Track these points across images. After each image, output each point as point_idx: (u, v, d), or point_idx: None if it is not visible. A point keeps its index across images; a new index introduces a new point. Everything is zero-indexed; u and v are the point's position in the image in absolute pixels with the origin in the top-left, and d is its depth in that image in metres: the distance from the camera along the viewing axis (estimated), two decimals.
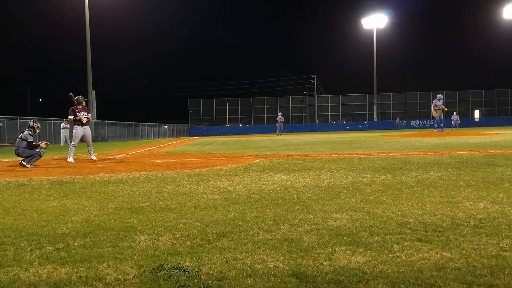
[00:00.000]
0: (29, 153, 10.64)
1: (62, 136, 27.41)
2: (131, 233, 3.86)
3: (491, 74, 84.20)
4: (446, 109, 25.09)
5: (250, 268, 2.92)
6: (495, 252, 3.12)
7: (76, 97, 12.09)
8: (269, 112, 69.67)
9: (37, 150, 10.76)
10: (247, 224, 4.05)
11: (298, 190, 5.92)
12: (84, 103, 12.24)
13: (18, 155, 10.76)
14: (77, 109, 11.98)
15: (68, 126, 25.57)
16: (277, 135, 38.79)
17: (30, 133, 11.03)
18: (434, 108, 24.57)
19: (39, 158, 10.79)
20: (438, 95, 24.75)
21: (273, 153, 13.12)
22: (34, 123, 11.39)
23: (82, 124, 12.01)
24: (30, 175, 8.57)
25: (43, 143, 11.22)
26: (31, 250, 3.44)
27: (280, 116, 40.45)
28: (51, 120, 31.88)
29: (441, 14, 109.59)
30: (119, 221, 4.33)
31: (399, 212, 4.39)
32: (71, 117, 11.98)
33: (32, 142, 10.88)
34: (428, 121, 63.14)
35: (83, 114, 11.99)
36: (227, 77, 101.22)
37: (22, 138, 10.83)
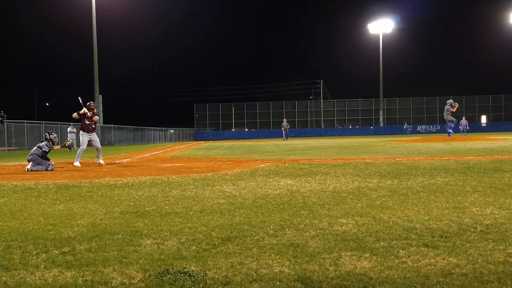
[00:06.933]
0: (39, 161, 10.71)
1: (68, 139, 27.53)
2: (137, 237, 3.86)
3: (498, 79, 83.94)
4: (453, 110, 24.82)
5: (255, 272, 2.92)
6: (502, 258, 3.10)
7: (88, 103, 12.17)
8: (275, 117, 69.74)
9: (48, 162, 10.83)
10: (252, 229, 4.05)
11: (303, 195, 5.91)
12: (95, 110, 12.30)
13: (29, 161, 10.86)
14: (87, 115, 12.03)
15: (75, 130, 25.68)
16: (284, 140, 38.90)
17: (48, 144, 11.37)
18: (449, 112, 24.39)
19: (44, 170, 10.46)
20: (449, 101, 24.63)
21: (278, 158, 13.12)
22: (51, 135, 11.64)
23: (88, 131, 12.07)
24: (37, 179, 8.61)
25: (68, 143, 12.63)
26: (37, 253, 3.45)
27: (284, 123, 40.63)
28: (57, 124, 32.05)
29: (448, 19, 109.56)
30: (125, 225, 4.34)
31: (405, 218, 4.37)
32: (82, 109, 11.94)
33: (47, 152, 11.09)
34: (434, 126, 62.94)
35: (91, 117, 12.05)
36: (233, 82, 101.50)
37: (39, 147, 11.14)
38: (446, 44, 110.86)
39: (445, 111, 24.62)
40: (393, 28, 61.05)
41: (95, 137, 12.32)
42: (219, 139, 59.10)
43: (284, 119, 43.36)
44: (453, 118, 24.60)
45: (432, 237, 3.65)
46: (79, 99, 12.10)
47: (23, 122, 29.20)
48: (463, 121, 36.50)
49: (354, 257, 3.18)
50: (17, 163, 13.76)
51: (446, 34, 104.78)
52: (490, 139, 23.16)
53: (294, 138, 49.72)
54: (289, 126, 41.50)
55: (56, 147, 11.91)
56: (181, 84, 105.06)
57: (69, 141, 13.17)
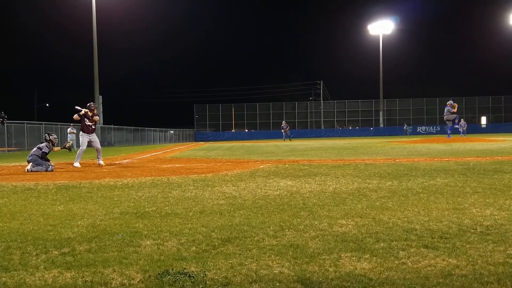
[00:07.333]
0: (39, 162, 10.72)
1: (68, 141, 27.53)
2: (136, 238, 3.86)
3: (498, 80, 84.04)
4: (454, 110, 24.74)
5: (255, 273, 2.91)
6: (502, 259, 3.10)
7: (88, 104, 12.22)
8: (275, 118, 69.78)
9: (47, 163, 10.83)
10: (252, 230, 4.05)
11: (303, 196, 5.91)
12: (95, 111, 12.34)
13: (29, 162, 10.86)
14: (87, 115, 12.06)
15: (75, 131, 25.69)
16: (284, 140, 39.05)
17: (47, 145, 11.36)
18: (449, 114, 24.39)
19: (44, 171, 10.44)
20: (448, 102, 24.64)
21: (278, 159, 13.11)
22: (51, 136, 11.67)
23: (88, 132, 12.10)
24: (37, 179, 8.61)
25: (68, 144, 12.60)
26: (37, 254, 3.45)
27: (283, 125, 41.02)
28: (57, 124, 32.05)
29: (448, 19, 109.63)
30: (124, 226, 4.34)
31: (405, 219, 4.37)
32: (82, 110, 11.97)
33: (47, 153, 11.10)
34: (434, 127, 62.93)
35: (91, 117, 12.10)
36: (233, 82, 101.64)
37: (39, 147, 11.15)
38: (446, 44, 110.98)
39: (445, 112, 24.62)
40: (393, 29, 61.11)
41: (95, 137, 12.34)
42: (219, 140, 59.09)
43: (283, 121, 43.73)
44: (454, 116, 24.53)
45: (432, 238, 3.65)
46: (76, 108, 12.11)
47: (23, 123, 29.18)
48: (462, 123, 36.57)
49: (354, 258, 3.18)
50: (17, 163, 13.76)
51: (446, 35, 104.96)
52: (490, 140, 23.16)
53: (294, 139, 49.71)
54: (288, 128, 41.73)
55: (56, 148, 11.93)
56: (181, 84, 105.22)
57: (69, 142, 13.19)
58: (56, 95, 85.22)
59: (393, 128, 63.75)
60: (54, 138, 11.77)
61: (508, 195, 5.60)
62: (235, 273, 2.93)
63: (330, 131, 66.85)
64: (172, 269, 3.01)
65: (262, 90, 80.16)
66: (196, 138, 65.32)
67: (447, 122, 24.98)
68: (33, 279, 2.92)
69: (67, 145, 12.70)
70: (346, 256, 3.22)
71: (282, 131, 40.61)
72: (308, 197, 5.80)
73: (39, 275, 2.98)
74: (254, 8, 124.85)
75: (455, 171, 8.26)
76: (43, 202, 5.90)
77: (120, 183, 7.78)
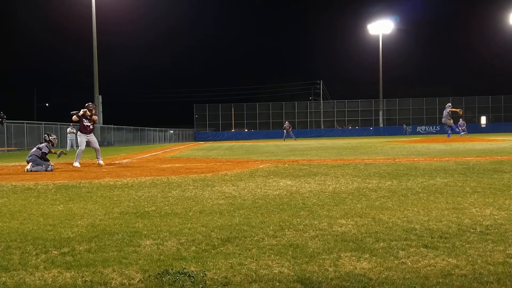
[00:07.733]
0: (39, 162, 10.72)
1: (68, 140, 27.54)
2: (136, 237, 3.86)
3: (498, 80, 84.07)
4: (459, 112, 24.87)
5: (255, 273, 2.92)
6: (502, 259, 3.10)
7: (86, 104, 12.24)
8: (275, 118, 69.82)
9: (47, 162, 10.82)
10: (252, 229, 4.05)
11: (303, 196, 5.91)
12: (94, 111, 12.36)
13: (28, 162, 10.86)
14: (86, 115, 12.07)
15: (74, 131, 25.65)
16: (284, 140, 39.21)
17: (48, 145, 11.40)
18: (449, 117, 24.46)
19: (43, 171, 10.41)
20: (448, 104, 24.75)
21: (278, 159, 13.11)
22: (50, 137, 11.69)
23: (86, 132, 12.11)
24: (36, 179, 8.60)
25: (60, 151, 12.46)
26: (36, 254, 3.45)
27: (285, 125, 41.41)
28: (57, 124, 32.05)
29: (448, 20, 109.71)
30: (124, 226, 4.34)
31: (405, 218, 4.37)
32: (80, 111, 12.01)
33: (46, 153, 11.10)
34: (434, 127, 62.94)
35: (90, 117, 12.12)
36: (233, 82, 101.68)
37: (38, 148, 11.16)
38: (446, 44, 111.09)
39: (444, 114, 24.64)
40: (393, 29, 61.10)
41: (93, 138, 12.36)
42: (219, 140, 59.05)
43: (286, 121, 44.29)
44: (451, 123, 24.67)
45: (432, 238, 3.65)
46: (72, 113, 12.11)
47: (23, 123, 29.18)
48: (461, 122, 36.61)
49: (354, 257, 3.19)
50: (16, 163, 13.76)
51: (446, 35, 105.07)
52: (490, 140, 23.17)
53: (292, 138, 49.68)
54: (291, 128, 42.01)
55: (52, 150, 11.87)
56: (181, 84, 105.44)
57: (64, 153, 12.96)
58: (55, 95, 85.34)
59: (392, 128, 63.76)
60: (54, 138, 11.80)
61: (507, 194, 5.60)
62: (234, 273, 2.93)
63: (329, 130, 66.86)
64: (172, 269, 3.01)
65: (262, 90, 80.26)
66: (196, 138, 65.29)
67: (446, 125, 25.01)
68: (33, 279, 2.92)
69: (59, 152, 12.52)
70: (345, 256, 3.22)
71: (284, 131, 40.87)
72: (307, 197, 5.80)
73: (39, 275, 2.98)
74: (254, 8, 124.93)
75: (454, 170, 8.26)
76: (43, 202, 5.90)
77: (119, 183, 7.78)
